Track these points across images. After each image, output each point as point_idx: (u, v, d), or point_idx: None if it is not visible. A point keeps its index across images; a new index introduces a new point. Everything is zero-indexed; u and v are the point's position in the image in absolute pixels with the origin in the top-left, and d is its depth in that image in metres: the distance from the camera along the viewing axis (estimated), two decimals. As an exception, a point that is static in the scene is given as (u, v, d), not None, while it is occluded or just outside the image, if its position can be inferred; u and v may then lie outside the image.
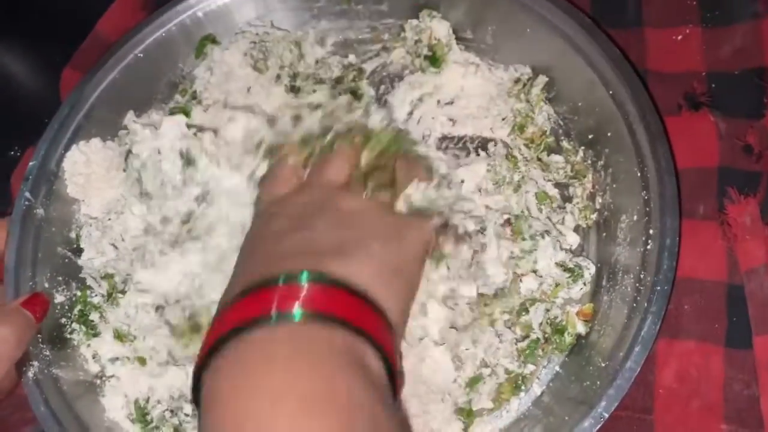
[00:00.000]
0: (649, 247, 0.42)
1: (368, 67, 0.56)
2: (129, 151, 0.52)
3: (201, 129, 0.51)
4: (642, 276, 0.42)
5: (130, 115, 0.53)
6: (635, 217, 0.44)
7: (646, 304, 0.40)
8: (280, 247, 0.38)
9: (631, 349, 0.39)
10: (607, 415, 0.38)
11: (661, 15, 0.55)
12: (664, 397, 0.44)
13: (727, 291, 0.46)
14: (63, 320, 0.48)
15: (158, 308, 0.47)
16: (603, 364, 0.40)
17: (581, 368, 0.43)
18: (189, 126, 0.51)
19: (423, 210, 0.42)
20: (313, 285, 0.34)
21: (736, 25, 0.54)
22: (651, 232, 0.43)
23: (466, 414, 0.44)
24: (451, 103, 0.53)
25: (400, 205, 0.42)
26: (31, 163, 0.50)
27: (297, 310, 0.33)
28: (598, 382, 0.40)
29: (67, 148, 0.51)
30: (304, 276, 0.35)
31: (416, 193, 0.42)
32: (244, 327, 0.33)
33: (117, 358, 0.46)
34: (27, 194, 0.49)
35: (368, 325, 0.34)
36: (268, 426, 0.30)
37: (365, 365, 0.33)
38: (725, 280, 0.46)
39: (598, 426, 0.38)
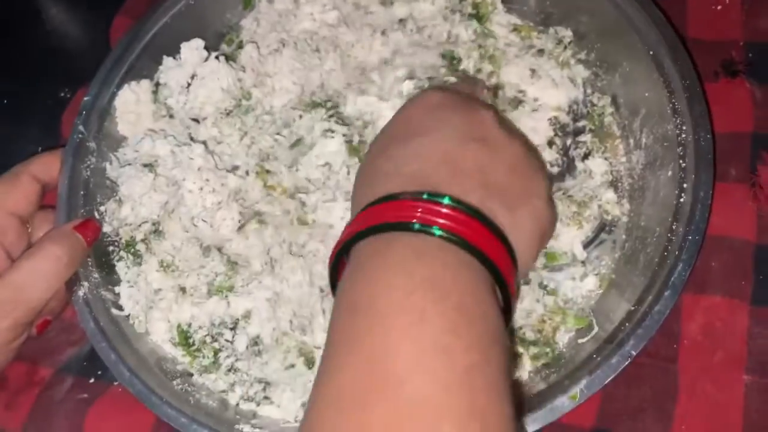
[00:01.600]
0: (682, 199, 0.43)
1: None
2: (157, 83, 0.54)
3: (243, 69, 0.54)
4: (674, 227, 0.43)
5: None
6: (670, 173, 0.45)
7: (677, 252, 0.42)
8: (456, 152, 0.37)
9: (660, 293, 0.41)
10: (634, 353, 0.39)
11: (702, -16, 0.56)
12: (688, 348, 0.45)
13: (755, 251, 0.47)
14: (110, 248, 0.50)
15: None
16: (632, 308, 0.42)
17: (611, 312, 0.44)
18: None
19: None
20: (476, 220, 0.34)
21: (776, -4, 0.55)
22: (685, 186, 0.44)
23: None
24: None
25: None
26: (85, 99, 0.52)
27: (455, 233, 0.33)
28: (627, 324, 0.41)
29: (119, 87, 0.53)
30: (447, 199, 0.34)
31: None
32: (390, 225, 0.34)
33: (160, 289, 0.48)
34: (80, 127, 0.51)
35: (509, 280, 0.35)
36: (419, 322, 0.30)
37: (496, 294, 0.34)
38: (754, 240, 0.47)
39: (626, 363, 0.39)
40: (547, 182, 0.40)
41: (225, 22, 0.58)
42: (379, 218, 0.34)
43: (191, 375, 0.46)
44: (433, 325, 0.30)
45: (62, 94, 0.63)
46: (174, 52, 0.55)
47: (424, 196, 0.34)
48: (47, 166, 0.50)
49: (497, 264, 0.34)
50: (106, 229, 0.50)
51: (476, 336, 0.31)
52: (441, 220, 0.33)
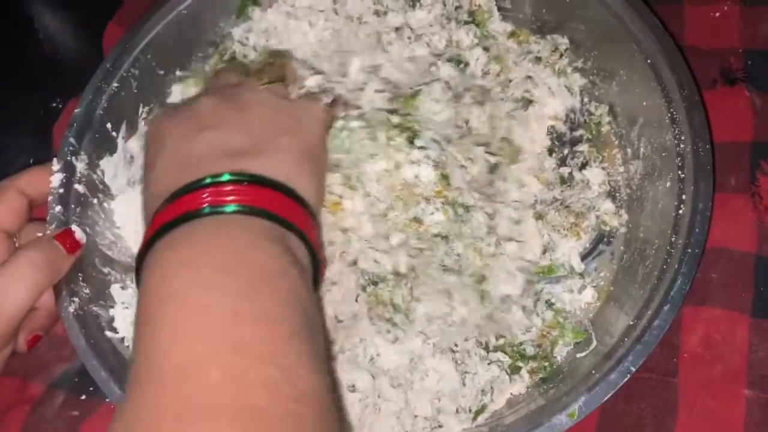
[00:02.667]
0: (681, 211, 0.43)
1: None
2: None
3: None
4: (673, 239, 0.42)
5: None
6: (668, 184, 0.45)
7: (676, 266, 0.41)
8: (195, 149, 0.40)
9: (660, 307, 0.40)
10: (633, 369, 0.39)
11: (700, -8, 0.55)
12: (688, 362, 0.45)
13: (755, 262, 0.46)
14: (107, 269, 0.49)
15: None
16: (632, 322, 0.41)
17: (609, 326, 0.43)
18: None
19: (312, 94, 0.46)
20: (237, 183, 0.37)
21: (775, 3, 0.54)
22: (684, 197, 0.43)
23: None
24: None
25: (294, 93, 0.45)
26: (76, 111, 0.51)
27: (226, 205, 0.36)
28: (626, 339, 0.40)
29: (110, 99, 0.52)
30: (226, 176, 0.37)
31: (310, 81, 0.46)
32: (175, 221, 0.36)
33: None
34: (71, 140, 0.50)
35: (293, 217, 0.37)
36: (184, 290, 0.33)
37: (290, 248, 0.36)
38: (754, 251, 0.47)
39: (624, 379, 0.39)
40: (288, 110, 0.43)
41: (218, 32, 0.58)
42: (161, 220, 0.37)
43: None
44: (197, 298, 0.32)
45: (54, 105, 0.62)
46: (165, 62, 0.55)
47: (206, 183, 0.37)
48: (35, 181, 0.49)
49: (290, 220, 0.37)
50: (107, 251, 0.49)
51: (260, 295, 0.33)
52: (214, 198, 0.36)
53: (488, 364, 0.43)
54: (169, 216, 0.36)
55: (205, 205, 0.36)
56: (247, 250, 0.35)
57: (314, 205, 0.40)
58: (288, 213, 0.37)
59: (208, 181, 0.37)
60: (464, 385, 0.43)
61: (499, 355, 0.44)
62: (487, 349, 0.44)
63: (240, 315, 0.31)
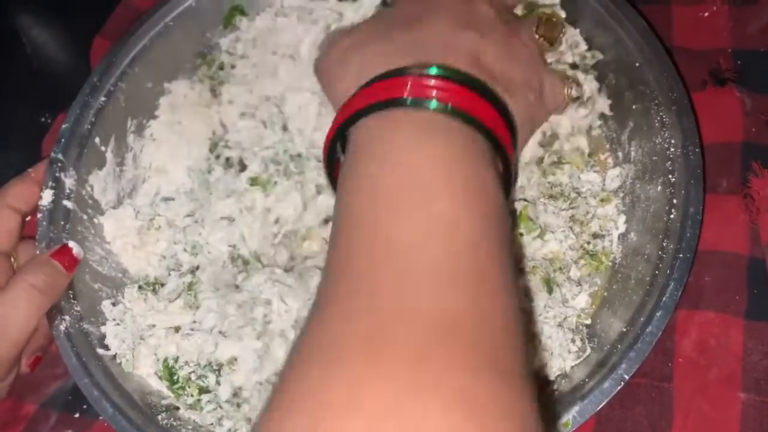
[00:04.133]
0: (672, 216, 0.43)
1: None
2: None
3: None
4: (665, 244, 0.42)
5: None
6: (659, 188, 0.45)
7: (668, 271, 0.41)
8: (455, 36, 0.38)
9: (652, 314, 0.40)
10: (627, 377, 0.38)
11: (689, -9, 0.55)
12: (683, 366, 0.44)
13: (748, 264, 0.46)
14: (97, 285, 0.49)
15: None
16: (624, 329, 0.41)
17: (603, 333, 0.43)
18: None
19: (565, 75, 0.46)
20: (482, 99, 0.35)
21: (764, 2, 0.54)
22: (675, 201, 0.43)
23: None
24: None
25: (551, 61, 0.45)
26: (63, 126, 0.51)
27: (462, 110, 0.34)
28: (619, 346, 0.40)
29: (98, 114, 0.52)
30: (480, 86, 0.35)
31: (569, 56, 0.47)
32: (389, 102, 0.34)
33: (154, 325, 0.47)
34: (59, 156, 0.50)
35: (501, 134, 0.36)
36: (433, 204, 0.31)
37: (497, 165, 0.35)
38: (746, 253, 0.46)
39: (618, 387, 0.38)
40: (545, 76, 0.42)
41: (205, 42, 0.57)
42: (378, 95, 0.35)
43: (177, 408, 0.45)
44: (440, 201, 0.31)
45: (43, 119, 0.62)
46: (153, 74, 0.55)
47: (425, 71, 0.35)
48: (23, 194, 0.48)
49: (497, 134, 0.35)
50: (97, 267, 0.49)
51: (480, 212, 0.32)
52: (435, 92, 0.34)
53: None
54: (395, 92, 0.34)
55: (432, 98, 0.34)
56: (480, 170, 0.34)
57: (519, 144, 0.39)
58: (507, 146, 0.36)
59: (453, 74, 0.35)
60: None
61: None
62: None
63: (480, 245, 0.31)
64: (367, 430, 0.24)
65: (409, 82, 0.34)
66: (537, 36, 0.43)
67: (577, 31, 0.50)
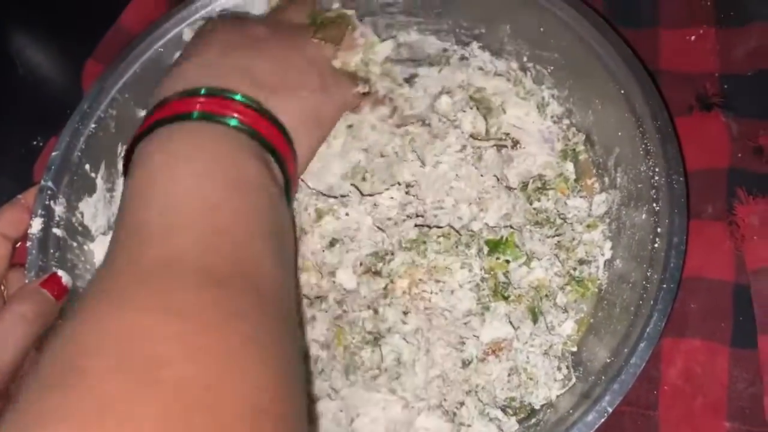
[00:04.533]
0: (656, 245, 0.43)
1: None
2: None
3: None
4: (649, 274, 0.42)
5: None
6: (644, 216, 0.45)
7: (652, 302, 0.41)
8: (226, 59, 0.44)
9: (636, 345, 0.40)
10: (611, 410, 0.39)
11: (675, 15, 0.55)
12: (668, 394, 0.45)
13: (733, 291, 0.46)
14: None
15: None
16: (608, 360, 0.41)
17: (588, 362, 0.43)
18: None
19: (354, 74, 0.49)
20: (243, 104, 0.41)
21: (750, 26, 0.54)
22: (659, 230, 0.43)
23: None
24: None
25: (337, 62, 0.48)
26: (53, 154, 0.51)
27: (226, 117, 0.40)
28: (603, 377, 0.40)
29: (88, 140, 0.52)
30: (239, 96, 0.41)
31: (355, 56, 0.49)
32: (173, 117, 0.40)
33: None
34: (49, 183, 0.50)
35: (278, 146, 0.41)
36: (176, 181, 0.37)
37: (270, 167, 0.40)
38: (732, 279, 0.47)
39: (602, 420, 0.39)
40: (326, 78, 0.47)
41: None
42: (157, 116, 0.41)
43: None
44: (184, 183, 0.37)
45: (34, 143, 0.62)
46: (144, 101, 0.55)
47: (217, 93, 0.41)
48: (13, 221, 0.49)
49: (267, 137, 0.40)
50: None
51: (226, 180, 0.37)
52: (198, 105, 0.40)
53: (488, 421, 0.43)
54: (167, 112, 0.40)
55: (200, 110, 0.40)
56: (235, 158, 0.39)
57: (301, 164, 0.44)
58: (275, 142, 0.41)
59: (220, 92, 0.41)
60: None
61: (498, 412, 0.44)
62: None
63: (219, 208, 0.36)
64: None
65: (172, 106, 0.41)
66: (317, 40, 0.48)
67: (369, 28, 0.52)
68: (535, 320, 0.45)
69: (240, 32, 0.46)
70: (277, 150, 0.41)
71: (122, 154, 0.43)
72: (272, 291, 0.35)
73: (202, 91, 0.41)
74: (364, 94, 0.50)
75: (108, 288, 0.33)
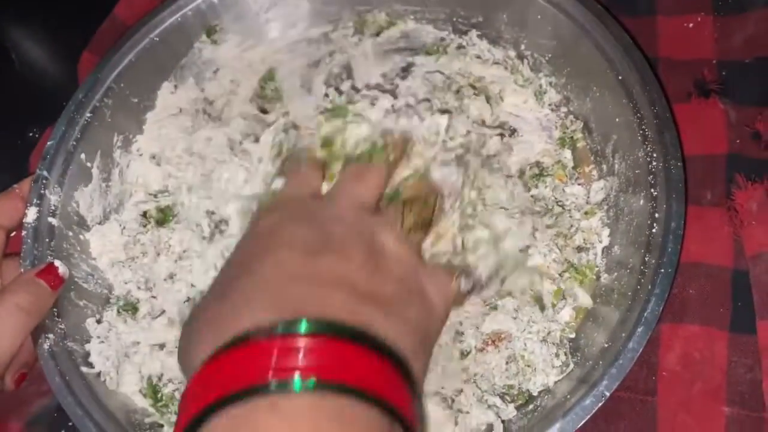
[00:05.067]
0: (654, 230, 0.42)
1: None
2: None
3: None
4: (647, 259, 0.42)
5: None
6: (642, 202, 0.45)
7: (650, 287, 0.41)
8: (307, 269, 0.31)
9: (633, 329, 0.40)
10: (608, 394, 0.38)
11: (673, 3, 0.55)
12: (667, 380, 0.44)
13: (732, 276, 0.46)
14: (83, 302, 0.49)
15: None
16: (606, 345, 0.41)
17: (586, 348, 0.43)
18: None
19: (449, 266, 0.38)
20: (350, 342, 0.28)
21: (748, 13, 0.54)
22: (657, 216, 0.43)
23: None
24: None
25: (428, 252, 0.38)
26: (48, 143, 0.51)
27: (331, 381, 0.26)
28: (601, 362, 0.40)
29: (83, 130, 0.52)
30: (354, 330, 0.28)
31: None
32: (236, 395, 0.26)
33: (138, 342, 0.47)
34: (44, 172, 0.50)
35: (402, 404, 0.28)
36: None
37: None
38: (731, 265, 0.46)
39: (600, 404, 0.38)
40: (421, 282, 0.35)
41: (191, 56, 0.58)
42: (221, 387, 0.27)
43: (161, 426, 0.45)
44: None
45: (30, 134, 0.62)
46: (139, 90, 0.55)
47: (279, 330, 0.28)
48: (9, 211, 0.48)
49: (388, 397, 0.27)
50: (82, 284, 0.49)
51: None
52: (302, 364, 0.26)
53: (486, 408, 0.43)
54: (230, 379, 0.27)
55: (310, 373, 0.26)
56: None
57: (415, 370, 0.31)
58: (399, 399, 0.28)
59: (303, 328, 0.27)
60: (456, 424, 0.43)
61: (497, 399, 0.44)
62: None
63: None
64: None
65: (275, 352, 0.27)
66: (406, 229, 0.36)
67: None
68: (542, 309, 0.45)
69: (313, 228, 0.33)
70: (407, 419, 0.28)
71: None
72: None
73: (302, 327, 0.27)
74: (471, 291, 0.39)
75: None
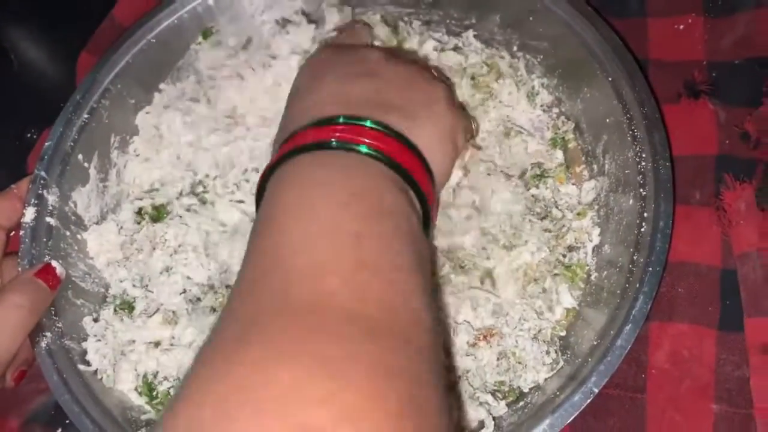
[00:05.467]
0: (643, 229, 0.43)
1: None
2: None
3: None
4: (635, 258, 0.43)
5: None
6: (631, 201, 0.45)
7: (638, 285, 0.41)
8: (354, 91, 0.41)
9: (622, 327, 0.40)
10: (596, 390, 0.39)
11: (664, 4, 0.56)
12: (656, 378, 0.45)
13: (720, 275, 0.47)
14: (80, 300, 0.49)
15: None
16: (595, 342, 0.41)
17: (576, 345, 0.44)
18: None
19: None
20: (378, 131, 0.38)
21: (738, 14, 0.54)
22: (645, 215, 0.43)
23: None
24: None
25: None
26: (46, 143, 0.52)
27: (361, 144, 0.37)
28: (590, 359, 0.41)
29: (81, 130, 0.53)
30: (369, 123, 0.38)
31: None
32: (310, 146, 0.37)
33: (134, 341, 0.48)
34: (42, 173, 0.51)
35: (419, 177, 0.38)
36: (318, 206, 0.34)
37: (411, 200, 0.37)
38: (719, 264, 0.47)
39: (588, 400, 0.39)
40: (446, 92, 0.44)
41: (187, 57, 0.58)
42: (292, 145, 0.38)
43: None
44: (321, 209, 0.34)
45: (29, 135, 0.62)
46: (136, 91, 0.55)
47: (345, 121, 0.38)
48: (7, 211, 0.49)
49: (406, 166, 0.37)
50: (80, 283, 0.50)
51: (364, 209, 0.34)
52: (360, 138, 0.37)
53: (478, 405, 0.44)
54: (307, 139, 0.38)
55: (338, 139, 0.37)
56: (375, 187, 0.36)
57: (437, 189, 0.42)
58: (416, 173, 0.38)
59: (356, 120, 0.38)
60: None
61: (488, 396, 0.44)
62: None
63: (363, 238, 0.33)
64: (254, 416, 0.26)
65: (308, 134, 0.38)
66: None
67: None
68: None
69: (355, 59, 0.45)
70: (416, 180, 0.38)
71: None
72: (425, 340, 0.31)
73: (340, 120, 0.38)
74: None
75: (249, 332, 0.29)
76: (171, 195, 0.53)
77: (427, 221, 0.39)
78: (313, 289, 0.30)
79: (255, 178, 0.53)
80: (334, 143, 0.37)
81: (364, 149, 0.37)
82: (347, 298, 0.30)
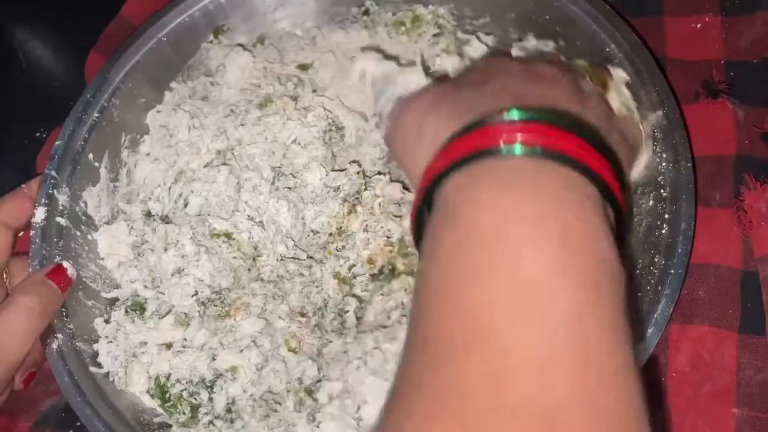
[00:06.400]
0: (663, 231, 0.42)
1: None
2: None
3: None
4: (656, 260, 0.42)
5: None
6: (651, 202, 0.45)
7: (660, 288, 0.41)
8: (530, 87, 0.35)
9: (644, 330, 0.40)
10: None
11: (681, 3, 0.55)
12: (677, 381, 0.44)
13: (741, 277, 0.46)
14: (91, 302, 0.49)
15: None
16: (616, 346, 0.41)
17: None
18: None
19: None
20: (562, 129, 0.31)
21: (756, 13, 0.54)
22: (666, 217, 0.43)
23: None
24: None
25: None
26: (56, 143, 0.51)
27: (520, 144, 0.30)
28: (611, 363, 0.40)
29: (91, 130, 0.52)
30: (536, 114, 0.31)
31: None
32: (471, 157, 0.30)
33: (145, 342, 0.47)
34: (52, 172, 0.50)
35: (603, 173, 0.31)
36: (530, 273, 0.27)
37: (605, 211, 0.30)
38: (740, 266, 0.46)
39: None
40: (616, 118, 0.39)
41: (198, 56, 0.58)
42: (457, 152, 0.31)
43: (170, 426, 0.45)
44: (533, 265, 0.27)
45: (38, 134, 0.62)
46: (146, 89, 0.55)
47: (505, 117, 0.31)
48: (16, 210, 0.48)
49: (599, 172, 0.30)
50: (90, 284, 0.49)
51: (584, 273, 0.27)
52: (519, 135, 0.30)
53: None
54: (482, 142, 0.31)
55: (515, 142, 0.30)
56: (588, 226, 0.28)
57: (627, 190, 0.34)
58: (615, 188, 0.31)
59: (522, 114, 0.31)
60: None
61: None
62: None
63: (586, 320, 0.26)
64: None
65: (486, 133, 0.31)
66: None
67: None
68: None
69: (529, 67, 0.38)
70: (616, 198, 0.31)
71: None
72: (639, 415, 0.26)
73: (514, 114, 0.31)
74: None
75: (445, 416, 0.25)
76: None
77: (621, 236, 0.32)
78: (537, 396, 0.25)
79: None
80: (518, 149, 0.30)
81: (567, 160, 0.30)
82: (578, 418, 0.24)
